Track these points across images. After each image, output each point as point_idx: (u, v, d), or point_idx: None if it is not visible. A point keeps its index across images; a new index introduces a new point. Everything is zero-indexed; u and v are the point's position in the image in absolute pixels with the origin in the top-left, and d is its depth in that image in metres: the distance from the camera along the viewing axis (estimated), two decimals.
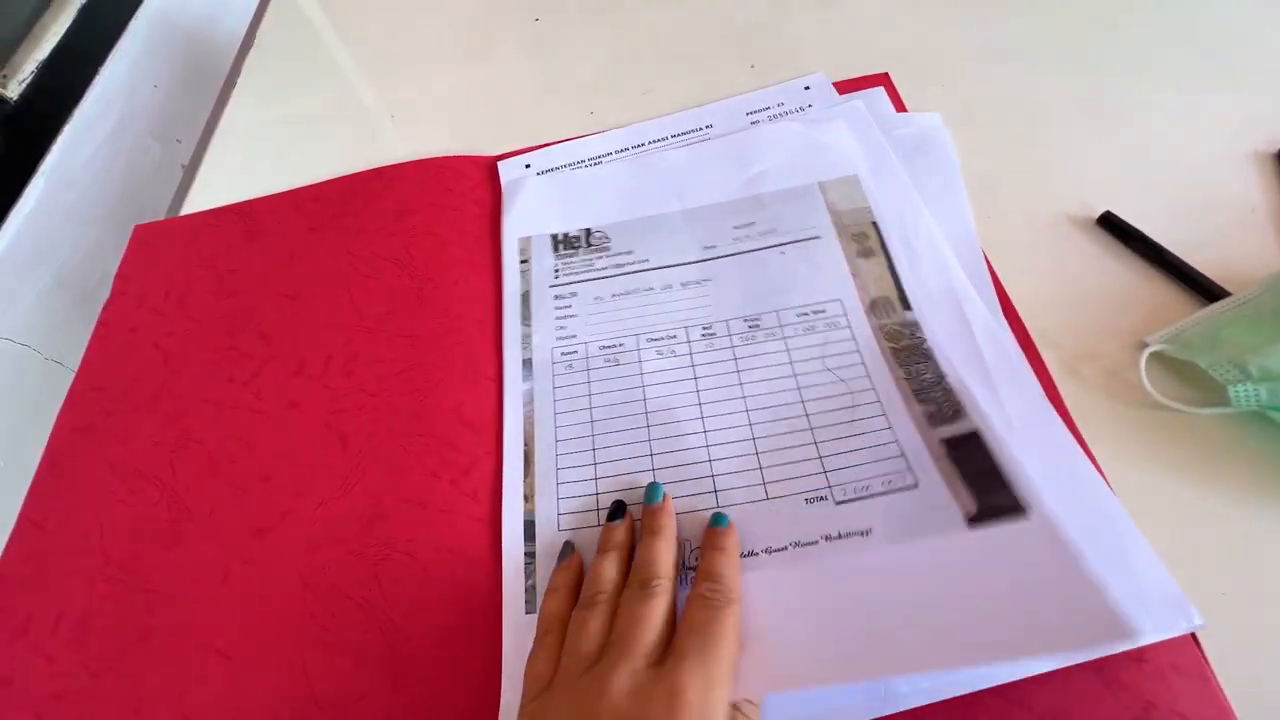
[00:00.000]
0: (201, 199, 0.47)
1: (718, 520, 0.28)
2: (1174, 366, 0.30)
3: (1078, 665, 0.23)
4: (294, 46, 0.57)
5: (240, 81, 0.56)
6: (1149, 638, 0.23)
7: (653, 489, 0.29)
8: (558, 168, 0.43)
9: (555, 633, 0.26)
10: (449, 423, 0.33)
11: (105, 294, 0.43)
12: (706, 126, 0.43)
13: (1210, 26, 0.42)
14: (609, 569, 0.27)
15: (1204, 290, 0.32)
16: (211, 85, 0.59)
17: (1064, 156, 0.38)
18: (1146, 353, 0.30)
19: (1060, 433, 0.28)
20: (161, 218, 0.47)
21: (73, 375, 0.40)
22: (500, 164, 0.43)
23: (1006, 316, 0.33)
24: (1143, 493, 0.27)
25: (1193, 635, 0.24)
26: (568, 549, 0.29)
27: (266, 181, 0.46)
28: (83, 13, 0.66)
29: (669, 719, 0.21)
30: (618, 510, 0.29)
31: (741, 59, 0.47)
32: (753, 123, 0.43)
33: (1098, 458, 0.28)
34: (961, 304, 0.33)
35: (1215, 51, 0.41)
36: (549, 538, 0.30)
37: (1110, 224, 0.35)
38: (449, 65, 0.52)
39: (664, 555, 0.26)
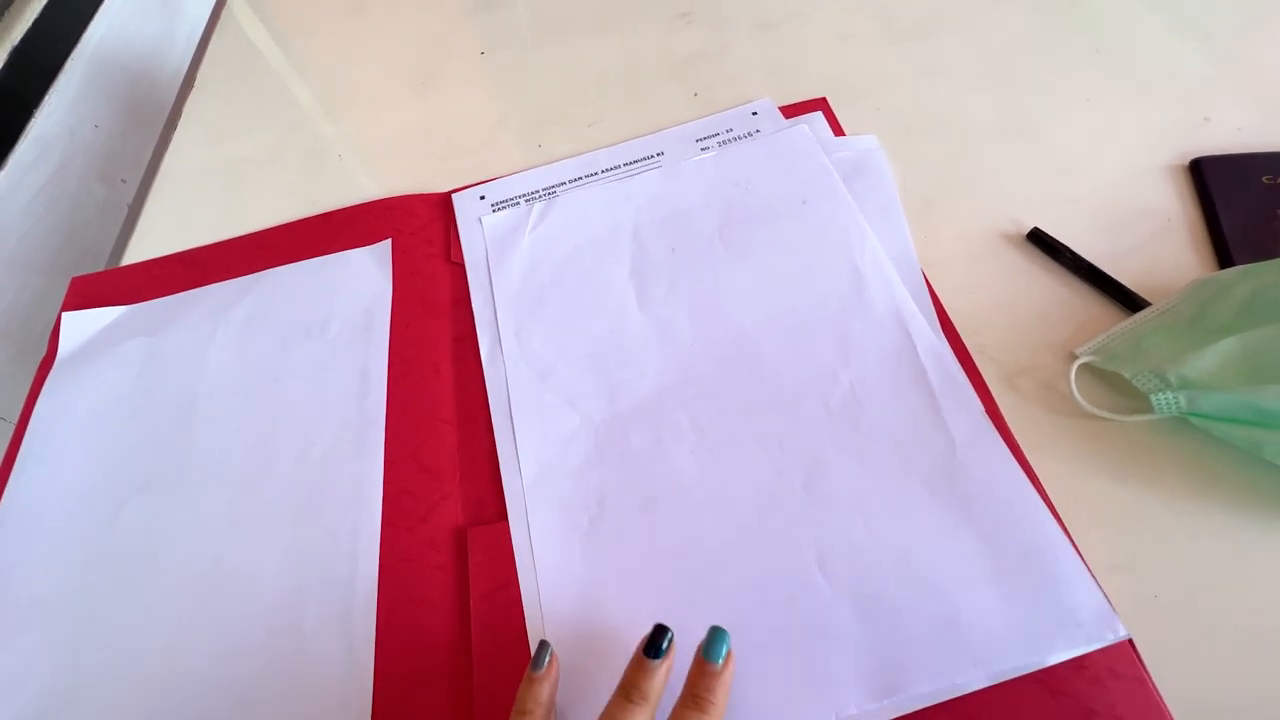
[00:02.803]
0: (144, 246, 0.46)
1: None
2: (1104, 376, 0.32)
3: (1022, 678, 0.24)
4: (237, 86, 0.57)
5: (182, 123, 0.55)
6: (1076, 651, 0.24)
7: (715, 641, 0.24)
8: (512, 199, 0.43)
9: None
10: (406, 469, 0.33)
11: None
12: (657, 154, 0.44)
13: (1122, 47, 0.44)
14: None
15: (1128, 301, 0.33)
16: (155, 124, 0.58)
17: (994, 175, 0.40)
18: (1075, 365, 0.31)
19: (1001, 453, 0.29)
20: (106, 261, 0.46)
21: (12, 429, 0.39)
22: (455, 197, 0.43)
23: (946, 334, 0.34)
24: (1079, 499, 0.29)
25: (1129, 641, 0.25)
26: (543, 651, 0.25)
27: (212, 226, 0.46)
28: (15, 54, 0.64)
29: None
30: (659, 640, 0.24)
31: (685, 87, 0.48)
32: (703, 149, 0.43)
33: (1036, 467, 0.29)
34: (907, 325, 0.34)
35: (1128, 71, 0.43)
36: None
37: (1039, 239, 0.36)
38: (395, 102, 0.52)
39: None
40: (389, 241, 0.42)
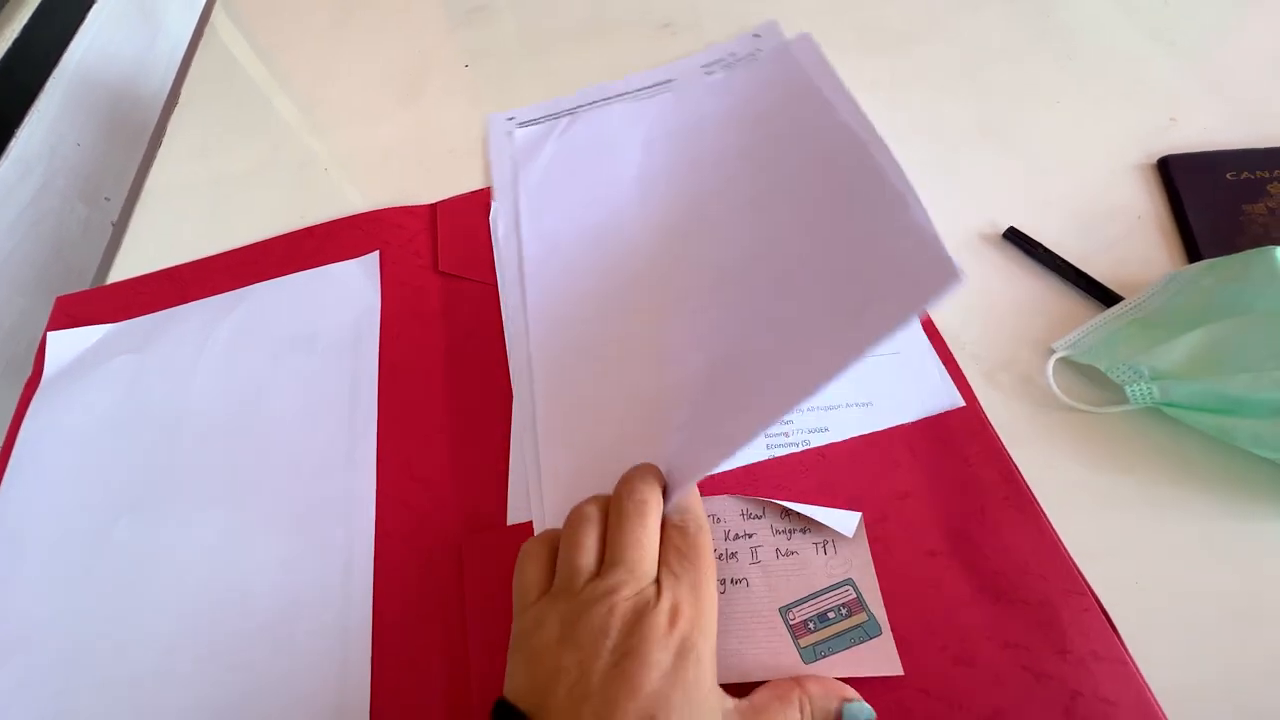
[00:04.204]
0: (130, 264, 0.46)
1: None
2: (1080, 369, 0.33)
3: (1007, 664, 0.25)
4: (221, 102, 0.57)
5: (166, 140, 0.55)
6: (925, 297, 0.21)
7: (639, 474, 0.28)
8: (539, 119, 0.48)
9: (545, 542, 0.27)
10: (399, 480, 0.33)
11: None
12: (667, 80, 0.48)
13: (1093, 53, 0.45)
14: (589, 545, 0.26)
15: (1102, 296, 0.34)
16: (139, 142, 0.58)
17: (971, 178, 0.41)
18: (1053, 359, 0.32)
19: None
20: (92, 279, 0.46)
21: None
22: (489, 117, 0.49)
23: (928, 332, 0.35)
24: (1060, 489, 0.29)
25: (1110, 624, 0.26)
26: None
27: (198, 243, 0.46)
28: None
29: (671, 632, 0.22)
30: None
31: None
32: (708, 75, 0.47)
33: (1018, 459, 0.30)
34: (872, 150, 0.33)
35: (1098, 75, 0.44)
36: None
37: (1015, 238, 0.37)
38: (380, 116, 0.52)
39: (648, 474, 0.27)
40: (377, 254, 0.42)
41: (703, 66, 0.48)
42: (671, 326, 0.36)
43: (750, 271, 0.34)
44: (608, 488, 0.28)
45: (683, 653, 0.22)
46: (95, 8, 0.75)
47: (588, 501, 0.27)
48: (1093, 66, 0.45)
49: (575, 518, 0.27)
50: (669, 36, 0.53)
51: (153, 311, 0.42)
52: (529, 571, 0.26)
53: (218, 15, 0.65)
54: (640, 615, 0.23)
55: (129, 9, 0.80)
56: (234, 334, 0.39)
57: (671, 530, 0.26)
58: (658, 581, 0.24)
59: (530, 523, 0.31)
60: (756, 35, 0.48)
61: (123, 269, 0.46)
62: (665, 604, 0.23)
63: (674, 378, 0.34)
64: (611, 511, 0.26)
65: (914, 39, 0.49)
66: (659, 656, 0.22)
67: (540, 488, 0.32)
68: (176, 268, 0.44)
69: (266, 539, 0.32)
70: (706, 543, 0.26)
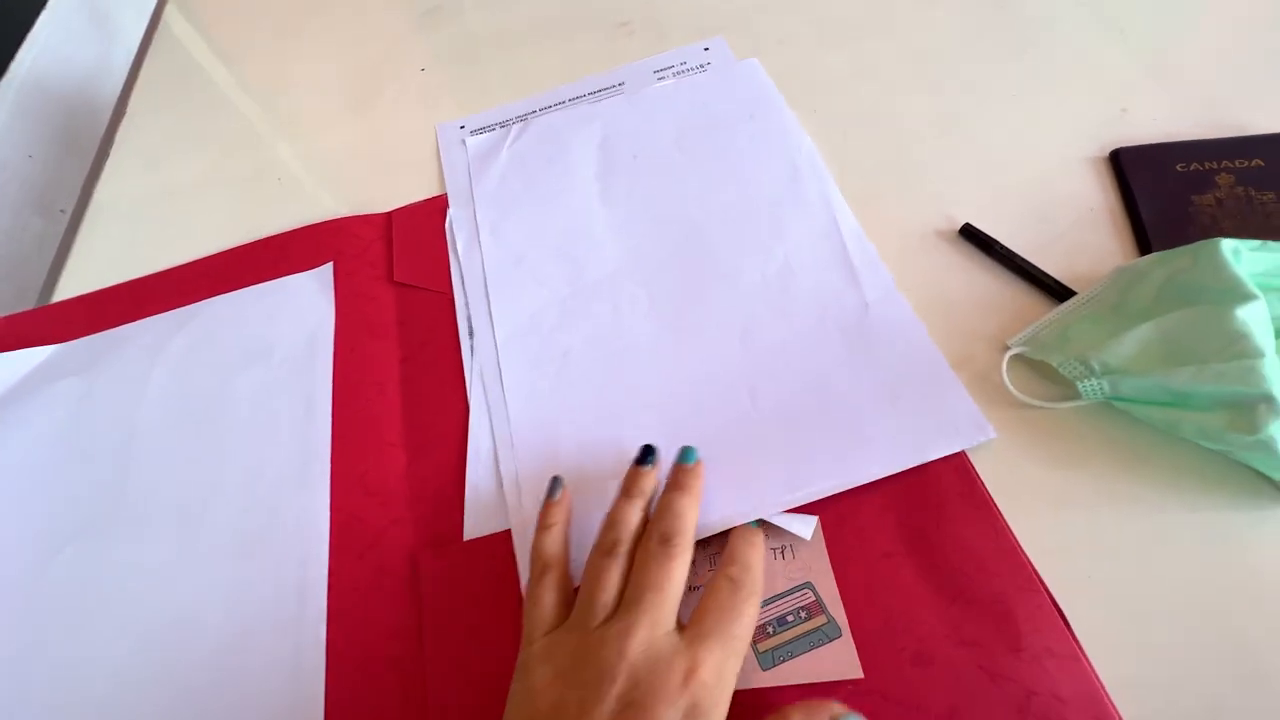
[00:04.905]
0: (77, 281, 0.45)
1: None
2: (1034, 365, 0.33)
3: (964, 663, 0.25)
4: (171, 111, 0.55)
5: (115, 150, 0.53)
6: (955, 447, 0.30)
7: (687, 452, 0.29)
8: (490, 126, 0.48)
9: (556, 570, 0.26)
10: (354, 495, 0.33)
11: None
12: (619, 84, 0.49)
13: (1045, 45, 0.46)
14: (632, 516, 0.26)
15: (1056, 291, 0.35)
16: (92, 153, 0.57)
17: (927, 173, 0.41)
18: (1007, 356, 0.32)
19: (905, 311, 0.35)
20: (37, 298, 0.44)
21: None
22: (438, 126, 0.48)
23: None
24: (1015, 485, 0.29)
25: (1063, 619, 0.26)
26: (557, 485, 0.29)
27: (147, 257, 0.44)
28: None
29: (683, 693, 0.21)
30: (647, 455, 0.29)
31: None
32: (660, 79, 0.48)
33: (972, 457, 0.30)
34: (833, 210, 0.39)
35: (1050, 68, 0.44)
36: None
37: (971, 235, 0.37)
38: (334, 122, 0.51)
39: (690, 513, 0.26)
40: (330, 265, 0.41)
41: (654, 72, 0.49)
42: (655, 324, 0.36)
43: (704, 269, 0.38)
44: (588, 491, 0.28)
45: (692, 717, 0.21)
46: (45, 14, 0.73)
47: (617, 533, 0.26)
48: (1046, 58, 0.45)
49: (601, 549, 0.26)
50: (626, 36, 0.52)
51: (100, 330, 0.41)
52: (546, 600, 0.25)
53: (169, 19, 0.63)
54: (653, 666, 0.22)
55: (80, 15, 0.78)
56: (184, 352, 0.39)
57: (722, 580, 0.25)
58: (680, 630, 0.23)
59: (489, 536, 0.31)
60: (706, 49, 0.49)
61: (69, 286, 0.44)
62: (683, 661, 0.22)
63: (657, 376, 0.35)
64: (640, 547, 0.25)
65: (870, 33, 0.49)
66: (666, 716, 0.21)
67: (520, 496, 0.32)
68: (125, 284, 0.43)
69: (218, 563, 0.31)
70: (751, 608, 0.24)
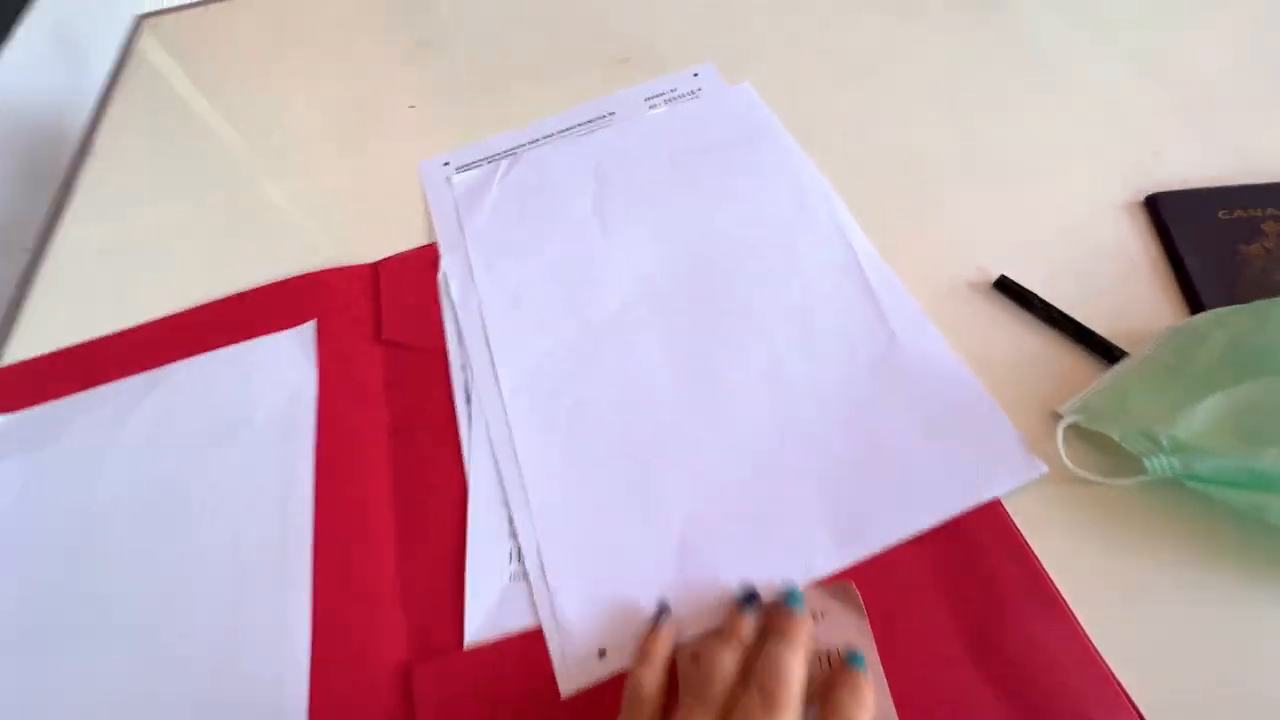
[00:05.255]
0: (28, 341, 0.40)
1: (852, 659, 0.24)
2: (1086, 434, 0.30)
3: None
4: (139, 151, 0.52)
5: (76, 194, 0.49)
6: (1007, 488, 0.29)
7: (791, 595, 0.26)
8: (476, 162, 0.45)
9: (649, 710, 0.24)
10: (338, 597, 0.29)
11: None
12: (609, 114, 0.46)
13: (1071, 86, 0.44)
14: (729, 665, 0.24)
15: (1104, 350, 0.32)
16: (54, 191, 0.52)
17: (955, 220, 0.39)
18: (1062, 426, 0.29)
19: (934, 339, 0.33)
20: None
21: None
22: (422, 164, 0.45)
23: None
24: (1081, 577, 0.27)
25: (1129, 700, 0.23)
26: (664, 612, 0.27)
27: (109, 314, 0.40)
28: None
29: None
30: (750, 599, 0.26)
31: None
32: (651, 107, 0.46)
33: (1031, 541, 0.27)
34: (847, 235, 0.38)
35: (1077, 104, 0.43)
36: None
37: (1006, 288, 0.35)
38: (317, 165, 0.48)
39: (796, 669, 0.23)
40: (313, 323, 0.38)
41: (646, 100, 0.47)
42: (672, 369, 0.34)
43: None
44: (621, 564, 0.28)
45: None
46: (10, 43, 0.69)
47: (714, 686, 0.23)
48: (1073, 99, 0.43)
49: (695, 695, 0.23)
50: (627, 71, 0.50)
51: (53, 399, 0.37)
52: (648, 681, 0.24)
53: (143, 49, 0.60)
54: None
55: (49, 45, 0.74)
56: (147, 426, 0.35)
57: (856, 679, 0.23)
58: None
59: (496, 643, 0.27)
60: (695, 74, 0.48)
61: (19, 348, 0.40)
62: None
63: (680, 427, 0.32)
64: (737, 700, 0.23)
65: (887, 70, 0.47)
66: None
67: (546, 580, 0.28)
68: (82, 345, 0.39)
69: (184, 679, 0.27)
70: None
